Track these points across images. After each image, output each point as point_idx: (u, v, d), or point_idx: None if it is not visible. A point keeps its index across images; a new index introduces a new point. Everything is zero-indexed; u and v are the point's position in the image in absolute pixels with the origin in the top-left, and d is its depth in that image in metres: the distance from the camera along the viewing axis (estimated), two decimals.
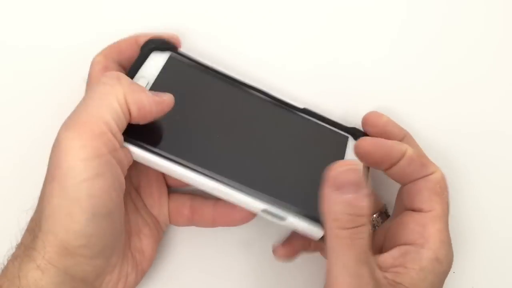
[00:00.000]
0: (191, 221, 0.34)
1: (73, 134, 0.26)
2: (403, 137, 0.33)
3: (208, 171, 0.29)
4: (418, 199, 0.30)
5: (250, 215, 0.32)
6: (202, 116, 0.32)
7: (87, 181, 0.25)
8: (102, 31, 0.35)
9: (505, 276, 0.36)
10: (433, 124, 0.36)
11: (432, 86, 0.37)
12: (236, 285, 0.35)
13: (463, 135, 0.36)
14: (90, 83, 0.32)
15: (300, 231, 0.30)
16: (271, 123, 0.33)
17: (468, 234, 0.36)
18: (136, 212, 0.33)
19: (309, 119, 0.34)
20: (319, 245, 0.33)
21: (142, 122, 0.28)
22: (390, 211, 0.34)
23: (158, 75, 0.32)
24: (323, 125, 0.34)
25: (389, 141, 0.30)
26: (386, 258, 0.28)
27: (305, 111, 0.34)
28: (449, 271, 0.29)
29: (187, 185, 0.34)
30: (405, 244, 0.29)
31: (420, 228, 0.29)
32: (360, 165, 0.26)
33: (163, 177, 0.34)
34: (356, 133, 0.34)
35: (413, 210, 0.30)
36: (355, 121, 0.34)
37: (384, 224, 0.33)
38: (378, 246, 0.31)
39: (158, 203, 0.34)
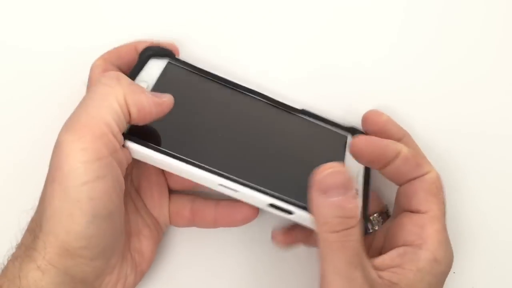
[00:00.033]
0: (192, 222, 0.34)
1: (74, 136, 0.26)
2: (402, 136, 0.33)
3: (214, 167, 0.29)
4: (415, 200, 0.30)
5: (251, 216, 0.33)
6: (203, 118, 0.32)
7: (88, 183, 0.25)
8: (103, 36, 0.35)
9: (505, 276, 0.36)
10: (433, 124, 0.36)
11: (432, 86, 0.37)
12: (236, 285, 0.35)
13: (463, 136, 0.36)
14: (90, 86, 0.32)
15: (308, 224, 0.29)
16: (271, 123, 0.33)
17: (468, 234, 0.36)
18: (136, 212, 0.33)
19: (308, 120, 0.34)
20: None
21: (141, 123, 0.28)
22: (391, 211, 0.34)
23: (157, 81, 0.32)
24: (322, 125, 0.34)
25: (384, 140, 0.30)
26: (384, 259, 0.28)
27: (304, 112, 0.34)
28: (448, 271, 0.29)
29: (189, 187, 0.34)
30: (403, 245, 0.29)
31: (418, 229, 0.29)
32: (343, 166, 0.26)
33: (164, 179, 0.34)
34: (354, 132, 0.34)
35: (411, 211, 0.30)
36: (355, 121, 0.34)
37: (384, 225, 0.33)
38: (378, 247, 0.31)
39: (158, 204, 0.34)
